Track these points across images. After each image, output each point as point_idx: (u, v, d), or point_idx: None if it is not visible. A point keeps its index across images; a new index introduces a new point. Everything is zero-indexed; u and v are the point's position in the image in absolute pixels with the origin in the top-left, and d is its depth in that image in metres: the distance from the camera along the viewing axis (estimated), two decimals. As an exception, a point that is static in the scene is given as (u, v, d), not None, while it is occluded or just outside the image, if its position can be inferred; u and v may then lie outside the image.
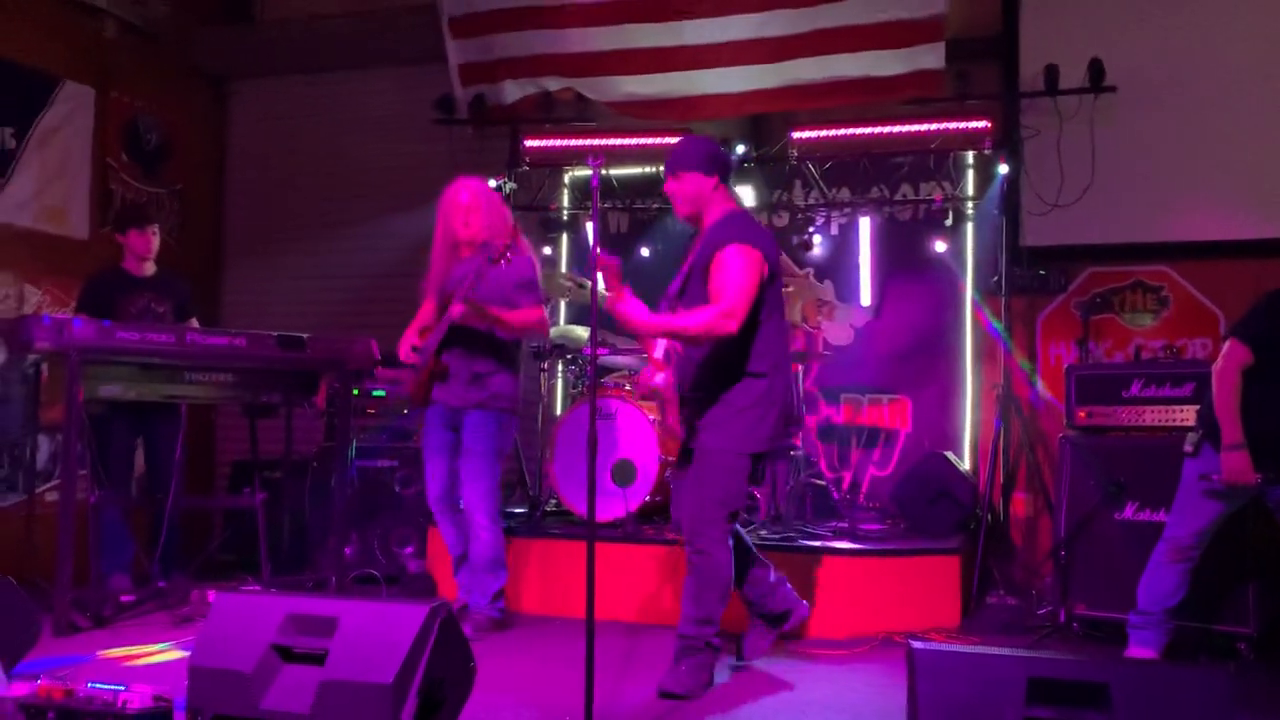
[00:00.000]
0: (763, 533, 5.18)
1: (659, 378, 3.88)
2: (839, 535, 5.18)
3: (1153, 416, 4.81)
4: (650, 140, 6.20)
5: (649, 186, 6.36)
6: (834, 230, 6.45)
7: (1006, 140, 5.92)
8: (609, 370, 5.87)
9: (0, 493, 6.02)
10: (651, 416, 5.27)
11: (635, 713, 3.54)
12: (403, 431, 6.11)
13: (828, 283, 6.50)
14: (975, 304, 6.23)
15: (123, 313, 5.21)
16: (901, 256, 6.37)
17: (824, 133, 6.11)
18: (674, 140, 4.34)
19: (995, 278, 6.03)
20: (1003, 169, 5.86)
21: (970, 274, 6.27)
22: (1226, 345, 3.93)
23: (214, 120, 7.74)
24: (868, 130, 6.06)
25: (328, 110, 7.49)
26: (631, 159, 6.39)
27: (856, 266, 6.39)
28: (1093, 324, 5.98)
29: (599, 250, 3.43)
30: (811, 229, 6.24)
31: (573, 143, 6.48)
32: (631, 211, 6.66)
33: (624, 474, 5.25)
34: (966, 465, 5.98)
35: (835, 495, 5.81)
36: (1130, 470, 4.69)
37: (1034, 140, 5.92)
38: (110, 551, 5.08)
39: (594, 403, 3.30)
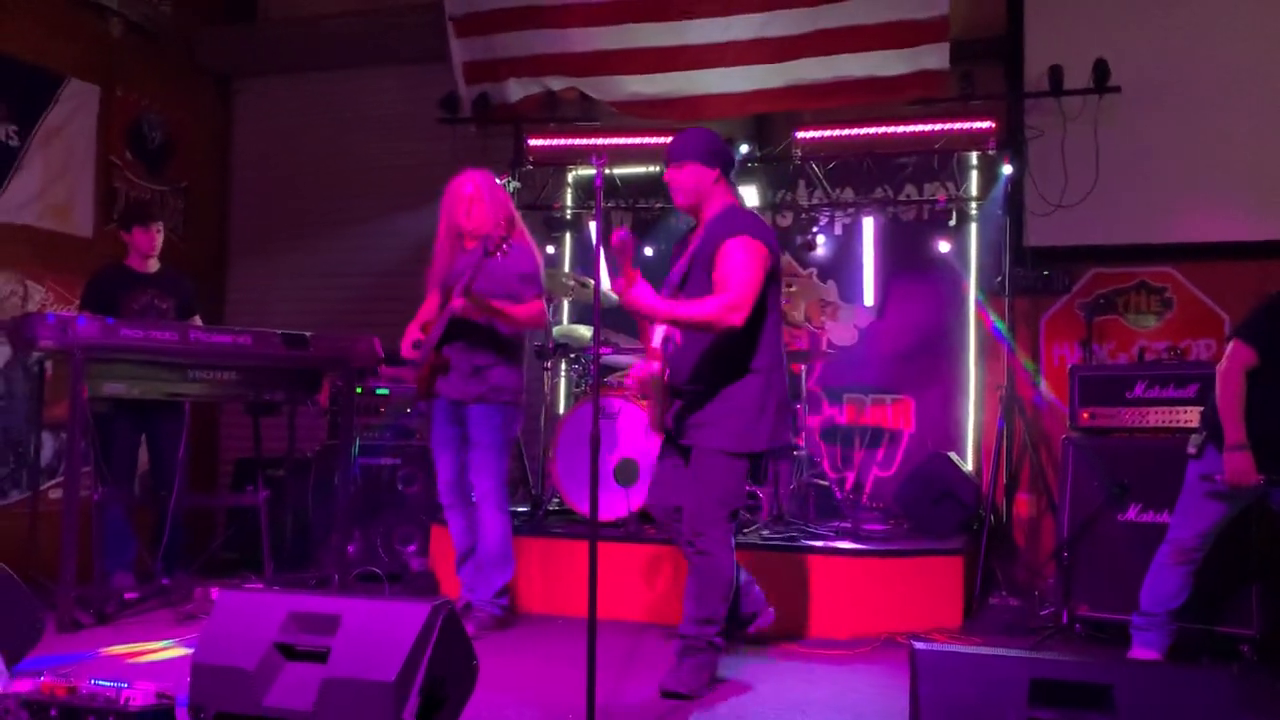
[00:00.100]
0: (765, 532, 5.19)
1: (653, 369, 3.84)
2: (842, 535, 5.18)
3: (1156, 418, 4.81)
4: (654, 140, 6.19)
5: (652, 186, 6.36)
6: (838, 230, 6.45)
7: (1011, 141, 5.91)
8: (612, 369, 5.87)
9: (4, 490, 6.03)
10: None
11: (637, 712, 3.54)
12: (406, 430, 6.11)
13: (831, 283, 6.49)
14: (979, 304, 6.22)
15: (126, 310, 5.22)
16: (905, 257, 6.36)
17: (828, 133, 6.11)
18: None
19: (999, 278, 6.03)
20: (1007, 169, 5.86)
21: (974, 274, 6.27)
22: (1230, 346, 3.92)
23: (218, 118, 7.74)
24: (872, 130, 6.05)
25: (332, 109, 7.49)
26: (635, 158, 6.38)
27: (860, 267, 6.38)
28: (1096, 325, 5.97)
29: (621, 228, 3.45)
30: (815, 229, 6.23)
31: (576, 142, 6.49)
32: (635, 211, 6.65)
33: (627, 473, 5.25)
34: (970, 466, 5.98)
35: (838, 495, 5.81)
36: (1133, 471, 4.68)
37: (1038, 141, 5.92)
38: (114, 549, 5.09)
39: (597, 402, 3.30)
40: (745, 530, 5.20)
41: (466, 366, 4.52)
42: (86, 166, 6.61)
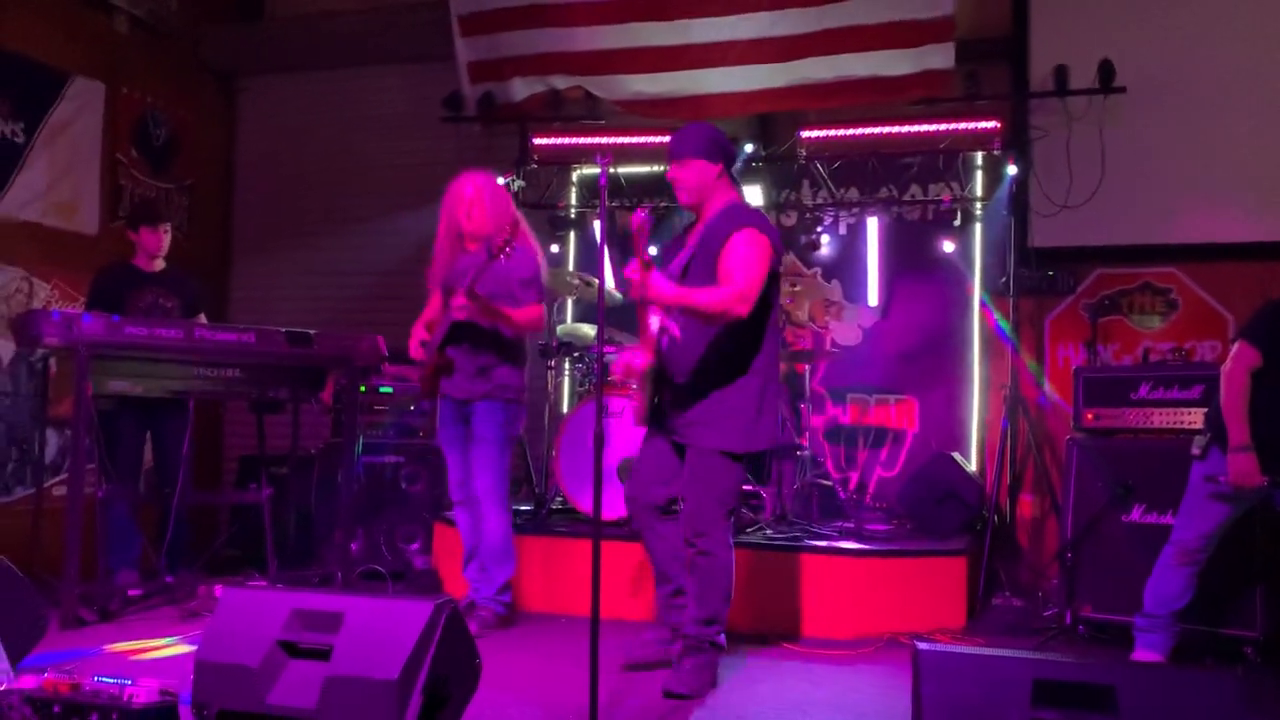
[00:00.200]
0: (769, 532, 5.18)
1: (641, 360, 3.80)
2: (845, 535, 5.17)
3: (1161, 419, 4.80)
4: (658, 139, 6.18)
5: (657, 185, 6.35)
6: (842, 230, 6.44)
7: (1015, 141, 5.90)
8: (615, 368, 5.86)
9: (9, 487, 6.04)
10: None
11: (640, 712, 3.54)
12: (409, 428, 6.12)
13: (835, 282, 6.49)
14: (983, 305, 6.22)
15: (131, 309, 5.23)
16: (909, 257, 6.35)
17: (832, 132, 6.10)
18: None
19: (1003, 279, 6.02)
20: (1011, 170, 5.85)
21: (978, 275, 6.26)
22: (1235, 347, 3.92)
23: (223, 117, 7.75)
24: (876, 130, 6.05)
25: (336, 107, 7.49)
26: (639, 157, 6.38)
27: (864, 266, 6.38)
28: (1101, 326, 5.97)
29: (641, 209, 3.45)
30: (819, 229, 6.23)
31: (581, 141, 6.48)
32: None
33: (630, 472, 5.24)
34: (973, 466, 5.97)
35: (841, 495, 5.80)
36: (1137, 472, 4.68)
37: (1043, 141, 5.91)
38: (118, 546, 5.10)
39: (600, 401, 3.30)
40: (749, 530, 5.20)
41: (471, 367, 4.53)
42: (92, 164, 6.62)
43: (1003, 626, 4.80)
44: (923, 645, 2.64)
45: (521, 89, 6.47)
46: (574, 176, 6.94)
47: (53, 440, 6.11)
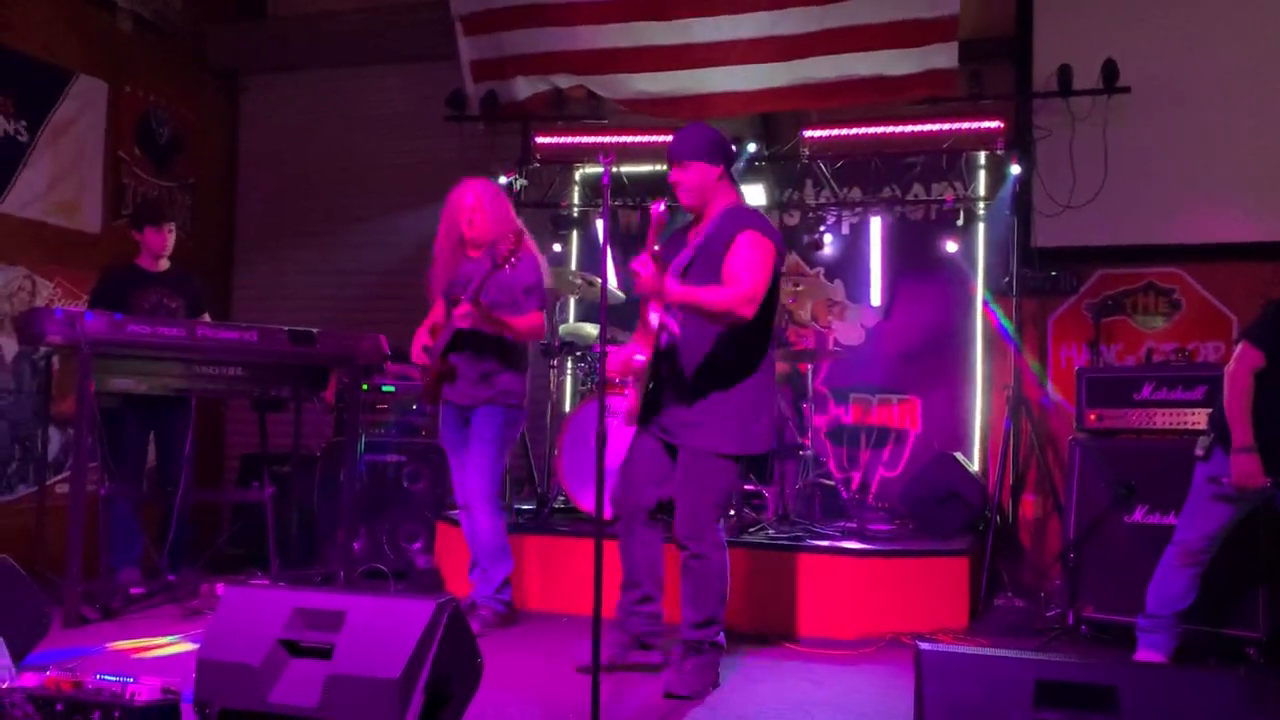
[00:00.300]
0: (771, 532, 5.18)
1: (639, 358, 3.74)
2: (847, 535, 5.17)
3: (1164, 419, 4.79)
4: (661, 138, 6.17)
5: (660, 184, 6.32)
6: (845, 230, 6.42)
7: (1019, 141, 5.90)
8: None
9: (11, 485, 6.05)
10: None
11: (641, 712, 3.53)
12: (411, 427, 6.12)
13: (838, 282, 6.48)
14: (986, 305, 6.21)
15: (135, 308, 5.24)
16: (912, 257, 6.35)
17: (835, 132, 6.10)
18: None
19: (1006, 279, 6.01)
20: (1015, 169, 5.84)
21: (981, 275, 6.26)
22: (1239, 348, 3.91)
23: (226, 115, 7.76)
24: (879, 130, 6.05)
25: (339, 106, 7.50)
26: (642, 156, 6.38)
27: (867, 266, 6.38)
28: (1104, 326, 5.96)
29: (660, 205, 3.45)
30: (822, 228, 6.22)
31: (584, 140, 6.48)
32: (642, 209, 6.65)
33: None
34: (976, 466, 5.97)
35: (844, 495, 5.80)
36: (1140, 473, 4.67)
37: (1046, 141, 5.90)
38: (120, 545, 5.11)
39: (603, 400, 3.29)
40: (751, 529, 5.20)
41: (474, 373, 4.55)
42: (95, 162, 6.62)
43: (1005, 627, 4.80)
44: (925, 645, 2.63)
45: (524, 88, 6.47)
46: (576, 175, 6.94)
47: (55, 438, 6.12)
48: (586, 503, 5.39)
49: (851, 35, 5.78)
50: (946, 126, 5.92)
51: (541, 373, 5.89)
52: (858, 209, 6.34)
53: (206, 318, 5.51)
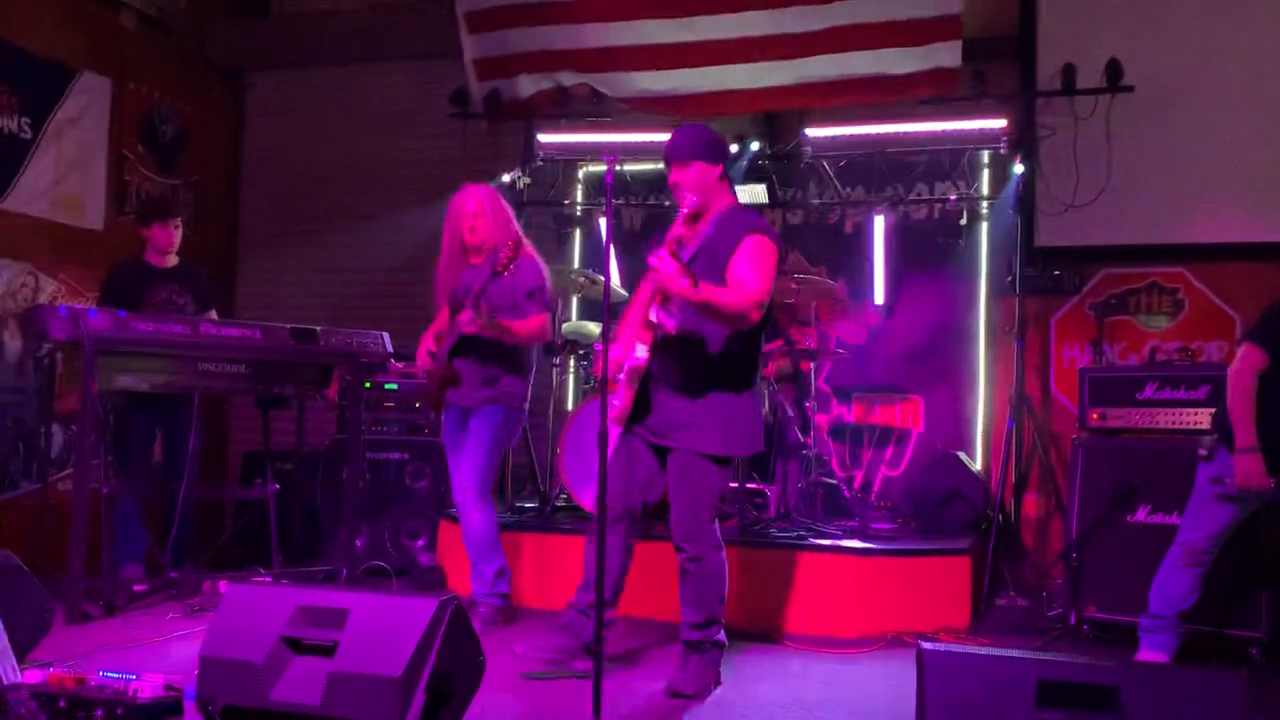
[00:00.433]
0: (773, 530, 5.18)
1: (642, 351, 3.66)
2: (849, 534, 5.17)
3: (1166, 419, 4.79)
4: (664, 137, 6.05)
5: (663, 183, 6.32)
6: (848, 229, 6.43)
7: (1022, 140, 5.89)
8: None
9: (14, 481, 6.05)
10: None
11: (644, 711, 3.53)
12: (414, 425, 6.12)
13: (841, 281, 6.47)
14: (989, 304, 6.21)
15: (145, 304, 5.25)
16: (915, 256, 6.34)
17: (838, 131, 6.09)
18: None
19: (1009, 278, 6.01)
20: (1018, 169, 5.83)
21: (984, 274, 6.25)
22: (1242, 349, 3.91)
23: (230, 113, 7.76)
24: (883, 129, 6.03)
25: (343, 103, 7.50)
26: (645, 155, 6.36)
27: (870, 265, 6.36)
28: (1107, 325, 5.96)
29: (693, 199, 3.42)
30: (825, 227, 6.22)
31: (587, 138, 6.48)
32: (645, 208, 6.65)
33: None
34: (978, 466, 5.97)
35: (846, 494, 5.80)
36: (1143, 473, 4.66)
37: (1050, 140, 5.89)
38: (124, 541, 5.12)
39: (605, 399, 3.29)
40: (754, 528, 5.19)
41: (478, 377, 4.57)
42: (98, 160, 6.63)
43: (1007, 626, 4.80)
44: (927, 645, 2.63)
45: (528, 86, 6.47)
46: (580, 174, 6.94)
47: (58, 435, 6.12)
48: (588, 501, 5.38)
49: (855, 34, 5.77)
50: (950, 125, 5.91)
51: (544, 370, 5.89)
52: (861, 208, 6.34)
53: (213, 314, 5.52)
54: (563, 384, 6.49)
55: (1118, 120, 5.71)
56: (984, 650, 2.78)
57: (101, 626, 4.44)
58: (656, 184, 6.52)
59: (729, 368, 3.72)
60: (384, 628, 2.79)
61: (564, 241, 6.79)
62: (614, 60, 6.22)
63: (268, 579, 4.84)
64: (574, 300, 6.74)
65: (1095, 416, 4.95)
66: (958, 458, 5.66)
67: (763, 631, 4.64)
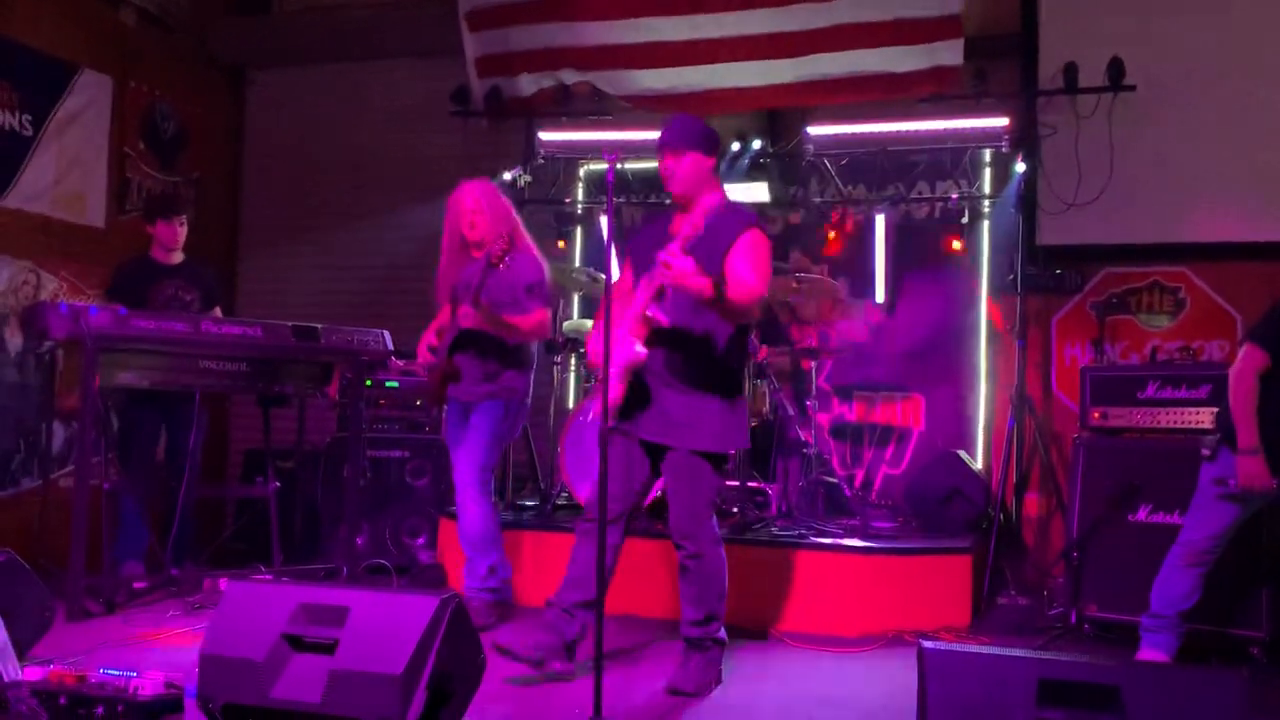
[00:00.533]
0: (773, 529, 5.18)
1: (640, 346, 3.60)
2: (850, 533, 5.16)
3: (1168, 418, 4.78)
4: (665, 135, 6.16)
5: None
6: (849, 227, 6.42)
7: (1024, 138, 5.88)
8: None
9: (15, 478, 6.05)
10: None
11: (645, 709, 3.53)
12: (415, 422, 6.12)
13: (842, 280, 6.47)
14: (990, 303, 6.20)
15: (151, 301, 5.25)
16: (916, 254, 6.34)
17: (840, 129, 6.08)
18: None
19: (1010, 277, 6.00)
20: (1020, 167, 5.83)
21: (985, 273, 6.25)
22: (1244, 350, 3.90)
23: (231, 110, 7.75)
24: (884, 127, 6.03)
25: (344, 101, 7.49)
26: (647, 153, 6.34)
27: (871, 263, 6.36)
28: (1108, 324, 5.95)
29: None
30: (826, 225, 6.22)
31: (588, 136, 6.47)
32: (646, 206, 6.65)
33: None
34: (979, 464, 5.96)
35: (847, 493, 5.80)
36: (1144, 472, 4.66)
37: (1052, 139, 5.89)
38: (125, 539, 5.12)
39: (606, 397, 3.29)
40: (755, 526, 5.19)
41: (479, 372, 4.57)
42: (100, 157, 6.62)
43: (1008, 625, 4.80)
44: (928, 644, 2.63)
45: (529, 84, 6.46)
46: (581, 172, 6.93)
47: (59, 432, 6.12)
48: (589, 498, 5.38)
49: (857, 32, 5.77)
50: (952, 124, 5.90)
51: (544, 368, 5.89)
52: (862, 206, 6.34)
53: (218, 311, 5.52)
54: (564, 382, 6.49)
55: (1119, 119, 5.71)
56: (985, 649, 2.77)
57: (102, 624, 4.44)
58: (657, 182, 6.41)
59: (726, 365, 3.73)
60: (385, 626, 2.78)
61: (565, 240, 6.78)
62: (615, 58, 6.22)
63: (268, 576, 4.84)
64: (575, 298, 6.75)
65: (1096, 415, 4.95)
66: (959, 456, 5.66)
67: (764, 630, 4.64)
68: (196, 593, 4.85)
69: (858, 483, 6.26)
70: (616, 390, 3.62)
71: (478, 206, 4.59)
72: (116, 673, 3.11)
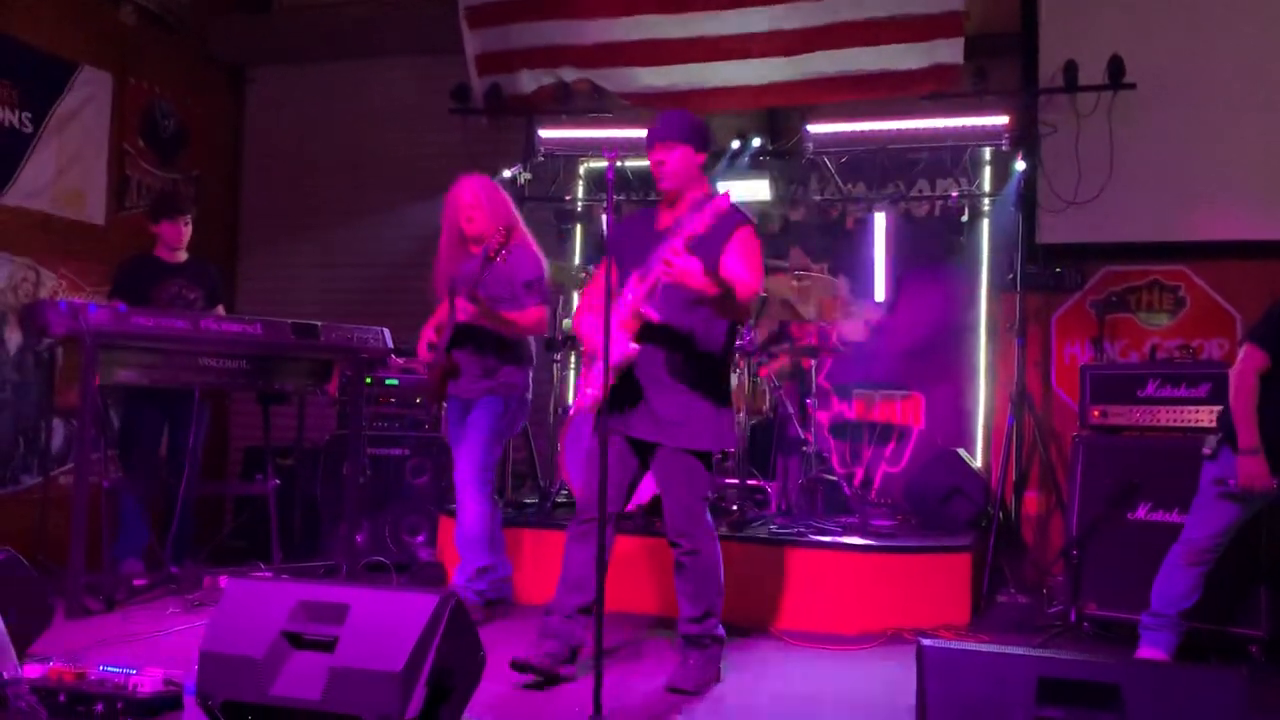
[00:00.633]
0: (773, 527, 5.18)
1: (633, 346, 3.58)
2: (850, 531, 5.16)
3: (1167, 417, 4.79)
4: (666, 133, 6.16)
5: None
6: (849, 225, 6.42)
7: (1024, 137, 5.88)
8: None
9: (15, 476, 6.05)
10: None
11: (644, 708, 3.53)
12: (415, 420, 6.12)
13: (842, 278, 6.47)
14: (990, 301, 6.20)
15: (155, 299, 5.25)
16: (916, 252, 6.34)
17: (840, 127, 6.08)
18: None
19: (1010, 275, 6.00)
20: (1020, 166, 5.83)
21: (985, 271, 6.25)
22: (1244, 350, 3.90)
23: (230, 108, 7.75)
24: (884, 125, 6.02)
25: (344, 99, 7.49)
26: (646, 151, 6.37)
27: (871, 262, 6.36)
28: (1108, 323, 5.95)
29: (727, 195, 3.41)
30: (826, 223, 6.22)
31: (588, 134, 6.46)
32: (646, 204, 6.63)
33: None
34: (979, 463, 5.96)
35: (847, 491, 5.79)
36: (1144, 470, 4.67)
37: (1052, 137, 5.89)
38: (125, 536, 5.11)
39: (607, 396, 3.29)
40: (754, 524, 5.19)
41: (477, 368, 4.56)
42: (99, 154, 6.62)
43: (1007, 623, 4.80)
44: (927, 642, 2.63)
45: (529, 81, 6.46)
46: (581, 169, 6.93)
47: (59, 430, 6.12)
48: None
49: (857, 30, 5.77)
50: (952, 122, 5.89)
51: (544, 367, 5.89)
52: (862, 204, 6.34)
53: (221, 309, 5.51)
54: (563, 379, 6.48)
55: (1119, 117, 5.71)
56: (984, 647, 2.77)
57: (101, 621, 4.44)
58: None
59: (716, 364, 3.73)
60: (384, 623, 2.78)
61: (565, 237, 6.78)
62: (615, 55, 6.22)
63: (268, 574, 4.84)
64: (575, 296, 6.74)
65: (1096, 414, 4.95)
66: (958, 455, 5.66)
67: (763, 628, 4.65)
68: (196, 590, 4.84)
69: (857, 481, 6.26)
70: (607, 387, 3.57)
71: (476, 201, 4.58)
72: (116, 670, 3.12)
